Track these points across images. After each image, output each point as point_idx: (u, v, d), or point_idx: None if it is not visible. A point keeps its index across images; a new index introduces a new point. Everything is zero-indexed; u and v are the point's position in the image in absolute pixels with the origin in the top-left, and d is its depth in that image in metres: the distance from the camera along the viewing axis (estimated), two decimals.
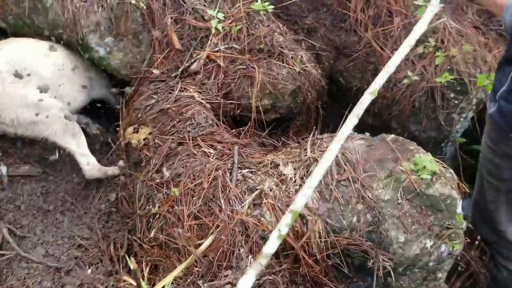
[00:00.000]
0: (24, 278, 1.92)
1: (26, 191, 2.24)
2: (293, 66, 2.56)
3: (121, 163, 2.36)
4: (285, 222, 1.35)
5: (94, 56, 2.43)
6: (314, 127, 2.40)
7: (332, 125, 2.52)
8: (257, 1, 2.60)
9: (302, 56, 2.66)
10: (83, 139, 2.26)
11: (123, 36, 2.41)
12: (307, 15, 3.05)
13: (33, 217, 2.16)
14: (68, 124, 2.20)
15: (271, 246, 1.33)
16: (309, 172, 1.89)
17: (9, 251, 2.00)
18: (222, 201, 1.82)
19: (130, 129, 2.28)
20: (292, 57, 2.58)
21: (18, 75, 2.09)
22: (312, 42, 2.99)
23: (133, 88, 2.48)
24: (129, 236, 2.10)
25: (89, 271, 2.00)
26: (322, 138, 2.15)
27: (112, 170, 2.32)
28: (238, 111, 2.45)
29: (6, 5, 2.21)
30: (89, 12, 2.30)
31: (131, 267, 1.57)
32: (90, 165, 2.25)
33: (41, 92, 2.15)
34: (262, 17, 2.59)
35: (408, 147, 2.02)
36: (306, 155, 1.97)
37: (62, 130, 2.18)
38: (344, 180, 1.85)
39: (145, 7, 2.38)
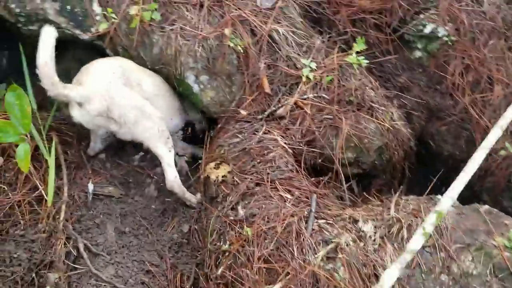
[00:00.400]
0: None
1: (106, 210, 2.32)
2: (382, 122, 2.50)
3: (198, 196, 2.40)
4: (430, 222, 1.31)
5: (188, 91, 2.54)
6: (401, 186, 2.29)
7: (417, 188, 2.40)
8: (351, 55, 2.60)
9: (392, 113, 2.60)
10: (173, 152, 2.37)
11: (218, 75, 2.50)
12: (401, 74, 3.00)
13: (109, 236, 2.22)
14: (164, 133, 2.34)
15: (416, 242, 1.30)
16: (390, 232, 1.78)
17: (82, 266, 2.06)
18: (295, 249, 1.76)
19: (212, 164, 2.32)
20: (382, 113, 2.53)
21: (127, 80, 2.29)
22: (404, 101, 2.91)
23: (219, 126, 2.55)
24: (197, 270, 2.10)
25: None
26: (408, 200, 2.04)
27: (190, 195, 2.39)
28: (320, 160, 2.41)
29: (117, 36, 2.40)
30: (190, 50, 2.43)
31: None
32: (173, 178, 2.34)
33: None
34: (355, 71, 2.58)
35: (503, 221, 1.85)
36: (389, 214, 1.87)
37: (158, 136, 2.31)
38: (429, 246, 1.71)
39: (242, 51, 2.47)
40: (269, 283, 1.75)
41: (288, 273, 1.72)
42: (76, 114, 2.28)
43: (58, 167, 2.37)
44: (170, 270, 2.12)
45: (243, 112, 2.51)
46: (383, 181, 2.70)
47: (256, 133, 2.36)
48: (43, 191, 2.28)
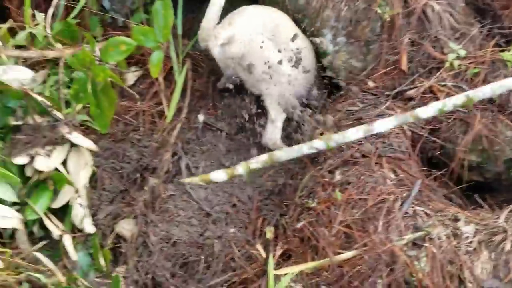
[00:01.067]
0: (179, 208, 2.08)
1: (214, 141, 2.44)
2: None
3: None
4: None
5: (321, 50, 2.50)
6: None
7: None
8: (508, 51, 2.33)
9: None
10: (283, 115, 2.39)
11: (356, 40, 2.42)
12: None
13: (210, 163, 2.33)
14: (284, 96, 2.35)
15: None
16: (491, 240, 1.59)
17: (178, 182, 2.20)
18: (380, 223, 1.68)
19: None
20: None
21: (277, 34, 2.32)
22: None
23: (341, 93, 2.48)
24: (279, 218, 2.10)
25: (232, 229, 2.06)
26: None
27: None
28: (438, 152, 2.23)
29: None
30: (334, 8, 2.38)
31: (267, 236, 1.56)
32: (272, 136, 2.38)
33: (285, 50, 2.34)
34: (508, 69, 2.30)
35: None
36: (496, 222, 1.67)
37: (276, 98, 2.35)
38: None
39: (388, 19, 2.35)
40: (344, 248, 1.69)
41: (365, 244, 1.64)
42: (214, 49, 2.37)
43: (184, 90, 2.54)
44: (254, 211, 2.16)
45: (371, 84, 2.41)
46: (503, 198, 2.42)
47: (377, 106, 2.26)
48: (165, 108, 2.46)
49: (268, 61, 2.31)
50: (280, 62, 2.33)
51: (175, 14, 2.71)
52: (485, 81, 2.26)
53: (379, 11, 2.35)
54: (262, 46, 2.30)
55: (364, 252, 1.63)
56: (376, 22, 2.38)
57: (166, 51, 2.59)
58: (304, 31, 2.50)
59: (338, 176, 2.00)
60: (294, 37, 2.38)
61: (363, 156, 2.05)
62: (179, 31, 2.62)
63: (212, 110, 2.61)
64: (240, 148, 2.49)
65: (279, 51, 2.35)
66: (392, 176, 1.95)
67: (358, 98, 2.36)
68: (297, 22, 2.49)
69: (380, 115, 2.20)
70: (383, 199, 1.80)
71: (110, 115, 1.86)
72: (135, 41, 1.87)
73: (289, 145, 2.37)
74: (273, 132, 2.37)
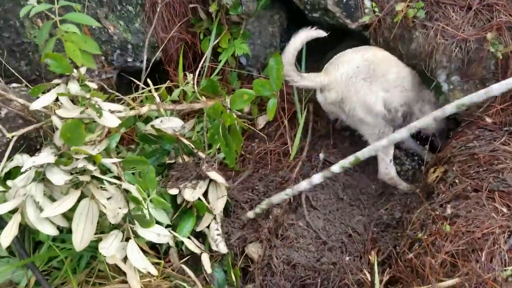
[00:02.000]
0: (299, 236, 2.35)
1: (333, 177, 2.67)
2: None
3: (413, 186, 2.51)
4: None
5: (437, 90, 2.61)
6: None
7: None
8: None
9: None
10: (391, 150, 2.56)
11: (470, 78, 2.49)
12: None
13: (328, 197, 2.57)
14: (384, 135, 2.50)
15: None
16: None
17: (300, 212, 2.47)
18: (483, 254, 1.73)
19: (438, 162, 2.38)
20: None
21: (372, 72, 2.49)
22: None
23: (459, 129, 2.55)
24: (392, 249, 2.24)
25: (347, 258, 2.25)
26: None
27: (403, 185, 2.54)
28: None
29: (380, 29, 2.66)
30: (446, 49, 2.50)
31: (370, 260, 1.73)
32: (385, 170, 2.57)
33: (384, 92, 2.51)
34: None
35: None
36: None
37: (377, 137, 2.52)
38: None
39: (501, 57, 2.39)
40: (447, 276, 1.77)
41: (467, 273, 1.71)
42: (318, 96, 2.66)
43: (306, 131, 2.86)
44: (369, 242, 2.33)
45: (488, 120, 2.44)
46: None
47: (492, 142, 2.29)
48: (290, 147, 2.80)
49: (367, 104, 2.49)
50: (375, 104, 2.48)
51: (300, 64, 3.10)
52: None
53: (492, 49, 2.40)
54: (358, 89, 2.48)
55: (465, 280, 1.69)
56: (490, 60, 2.43)
57: (291, 97, 2.97)
58: (420, 74, 2.65)
59: (449, 210, 2.08)
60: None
61: (475, 190, 2.10)
62: None
63: (332, 149, 2.87)
64: (358, 184, 2.69)
65: (377, 88, 2.49)
66: (505, 210, 1.97)
67: (474, 134, 2.40)
68: (411, 65, 2.66)
69: (495, 150, 2.23)
70: (491, 232, 1.84)
71: (237, 153, 2.23)
72: (255, 91, 2.25)
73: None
74: (386, 167, 2.54)
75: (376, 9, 2.65)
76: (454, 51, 2.48)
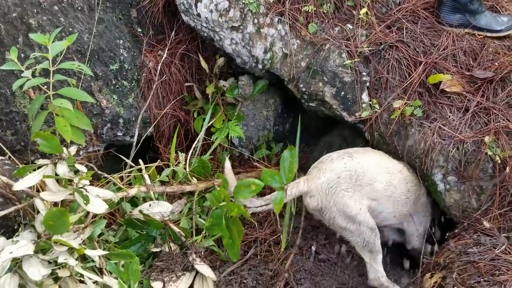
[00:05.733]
0: None
1: (324, 272, 2.56)
2: None
3: None
4: None
5: (433, 189, 2.58)
6: None
7: None
8: None
9: None
10: (379, 257, 2.44)
11: (467, 180, 2.47)
12: None
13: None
14: (369, 242, 2.40)
15: None
16: None
17: None
18: None
19: (435, 267, 2.29)
20: None
21: (356, 181, 2.37)
22: None
23: (456, 231, 2.49)
24: None
25: None
26: None
27: None
28: None
29: (377, 124, 2.66)
30: (443, 149, 2.49)
31: None
32: (375, 277, 2.45)
33: (369, 200, 2.41)
34: None
35: None
36: None
37: (362, 244, 2.41)
38: None
39: (499, 161, 2.39)
40: None
41: None
42: (303, 199, 2.50)
43: (298, 221, 2.76)
44: None
45: (486, 224, 2.39)
46: None
47: (492, 250, 2.22)
48: (281, 236, 2.69)
49: (347, 214, 2.35)
50: (358, 214, 2.35)
51: (294, 145, 3.06)
52: None
53: (489, 153, 2.40)
54: (338, 200, 2.34)
55: None
56: (488, 163, 2.43)
57: None
58: (416, 170, 2.62)
59: None
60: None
61: None
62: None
63: (324, 240, 2.77)
64: (350, 281, 2.57)
65: (360, 198, 2.37)
66: None
67: (473, 239, 2.34)
68: (409, 162, 2.63)
69: (496, 259, 2.16)
70: None
71: (239, 244, 2.11)
72: (263, 181, 2.15)
73: None
74: (374, 273, 2.43)
75: (376, 106, 2.66)
76: (451, 152, 2.47)
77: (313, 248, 2.68)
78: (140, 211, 2.27)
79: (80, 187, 1.90)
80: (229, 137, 3.18)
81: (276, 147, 3.29)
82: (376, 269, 2.44)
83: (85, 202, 1.87)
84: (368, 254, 2.44)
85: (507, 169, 2.37)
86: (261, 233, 2.74)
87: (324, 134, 3.34)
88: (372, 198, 2.43)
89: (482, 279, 2.08)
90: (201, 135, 3.00)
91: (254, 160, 3.11)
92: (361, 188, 2.38)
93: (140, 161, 2.61)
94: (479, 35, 2.76)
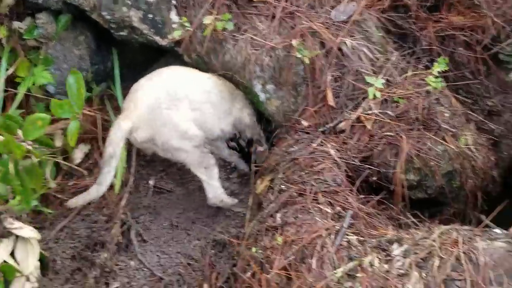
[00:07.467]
0: (131, 278, 2.11)
1: (164, 204, 2.50)
2: (451, 145, 2.31)
3: (250, 201, 2.46)
4: None
5: (255, 99, 2.61)
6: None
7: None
8: (431, 75, 2.45)
9: (467, 137, 2.38)
10: (215, 171, 2.42)
11: (284, 85, 2.54)
12: (491, 96, 2.74)
13: (161, 227, 2.39)
14: (204, 157, 2.39)
15: None
16: (421, 259, 1.63)
17: (131, 250, 2.24)
18: (314, 261, 1.72)
19: (264, 172, 2.36)
20: (452, 135, 2.33)
21: (174, 97, 2.33)
22: (491, 126, 2.66)
23: (279, 135, 2.58)
24: (230, 271, 2.14)
25: None
26: (459, 230, 1.84)
27: (235, 205, 2.47)
28: (375, 178, 2.30)
29: (192, 44, 2.57)
30: (258, 59, 2.51)
31: None
32: (214, 195, 2.43)
33: (193, 111, 2.37)
34: (432, 91, 2.41)
35: None
36: (426, 241, 1.72)
37: (197, 161, 2.38)
38: (460, 280, 1.54)
39: (308, 62, 2.48)
40: None
41: (300, 285, 1.68)
42: (129, 137, 2.33)
43: (129, 158, 2.62)
44: (208, 267, 2.20)
45: (305, 123, 2.50)
46: (453, 211, 2.48)
47: (310, 144, 2.35)
48: (114, 180, 2.53)
49: (178, 130, 2.31)
50: (188, 129, 2.33)
51: (114, 84, 2.86)
52: (409, 105, 2.36)
53: (298, 55, 2.47)
54: (165, 120, 2.29)
55: None
56: (299, 66, 2.51)
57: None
58: (237, 84, 2.62)
59: (278, 219, 2.06)
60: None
61: (300, 195, 2.11)
62: (120, 102, 2.76)
63: (162, 173, 2.69)
64: (193, 206, 2.55)
65: (184, 111, 2.33)
66: (329, 210, 2.01)
67: (293, 139, 2.44)
68: (227, 77, 2.61)
69: (313, 152, 2.29)
70: (319, 235, 1.84)
71: (36, 192, 1.90)
72: (54, 113, 1.93)
73: None
74: (214, 191, 2.42)
75: (187, 24, 2.54)
76: (266, 60, 2.50)
77: (151, 182, 2.59)
78: None
79: None
80: (42, 86, 2.84)
81: (98, 87, 3.03)
82: (214, 185, 2.43)
83: None
84: (204, 171, 2.40)
85: (316, 68, 2.48)
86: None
87: (151, 66, 3.16)
88: (193, 108, 2.38)
89: (303, 173, 2.20)
90: (0, 86, 2.61)
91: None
92: (180, 102, 2.33)
93: None
94: None
